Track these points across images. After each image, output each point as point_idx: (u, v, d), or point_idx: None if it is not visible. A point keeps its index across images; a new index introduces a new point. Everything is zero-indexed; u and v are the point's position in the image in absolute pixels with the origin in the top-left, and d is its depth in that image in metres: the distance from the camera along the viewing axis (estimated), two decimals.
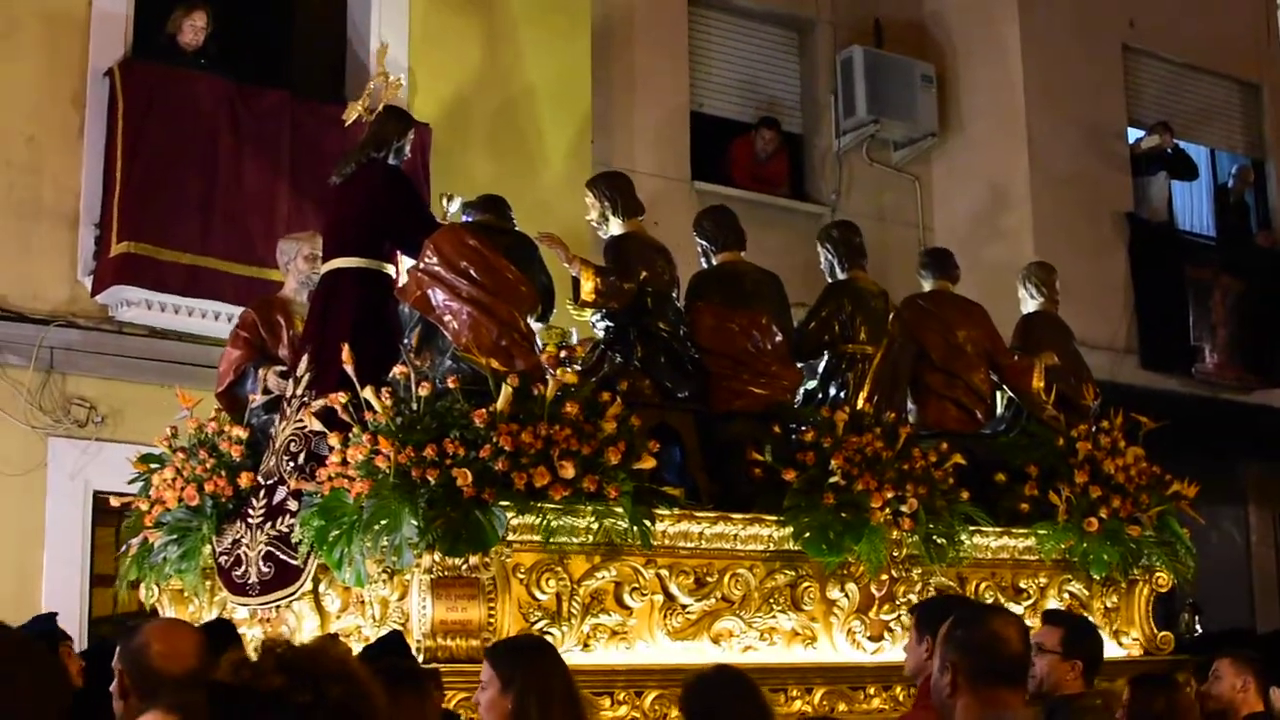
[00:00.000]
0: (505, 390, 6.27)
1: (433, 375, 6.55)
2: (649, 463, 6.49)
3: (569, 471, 6.24)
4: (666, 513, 6.68)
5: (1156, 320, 13.74)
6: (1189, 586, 9.32)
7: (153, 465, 7.77)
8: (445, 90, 10.90)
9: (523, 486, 6.20)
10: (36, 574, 9.37)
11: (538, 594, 6.42)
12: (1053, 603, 7.92)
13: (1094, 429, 8.14)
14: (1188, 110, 14.94)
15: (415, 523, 6.08)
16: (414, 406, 6.31)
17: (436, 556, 6.15)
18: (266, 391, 7.56)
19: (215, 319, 9.85)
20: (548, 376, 6.46)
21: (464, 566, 6.20)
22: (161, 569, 7.45)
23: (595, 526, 6.42)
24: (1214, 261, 14.49)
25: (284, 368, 7.59)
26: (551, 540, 6.36)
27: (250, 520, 6.98)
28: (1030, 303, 8.85)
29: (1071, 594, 8.02)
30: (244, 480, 7.23)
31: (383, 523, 6.16)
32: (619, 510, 6.41)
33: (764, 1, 13.80)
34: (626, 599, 6.65)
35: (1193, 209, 15.25)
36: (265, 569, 6.84)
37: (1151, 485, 8.15)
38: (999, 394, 8.53)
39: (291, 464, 6.94)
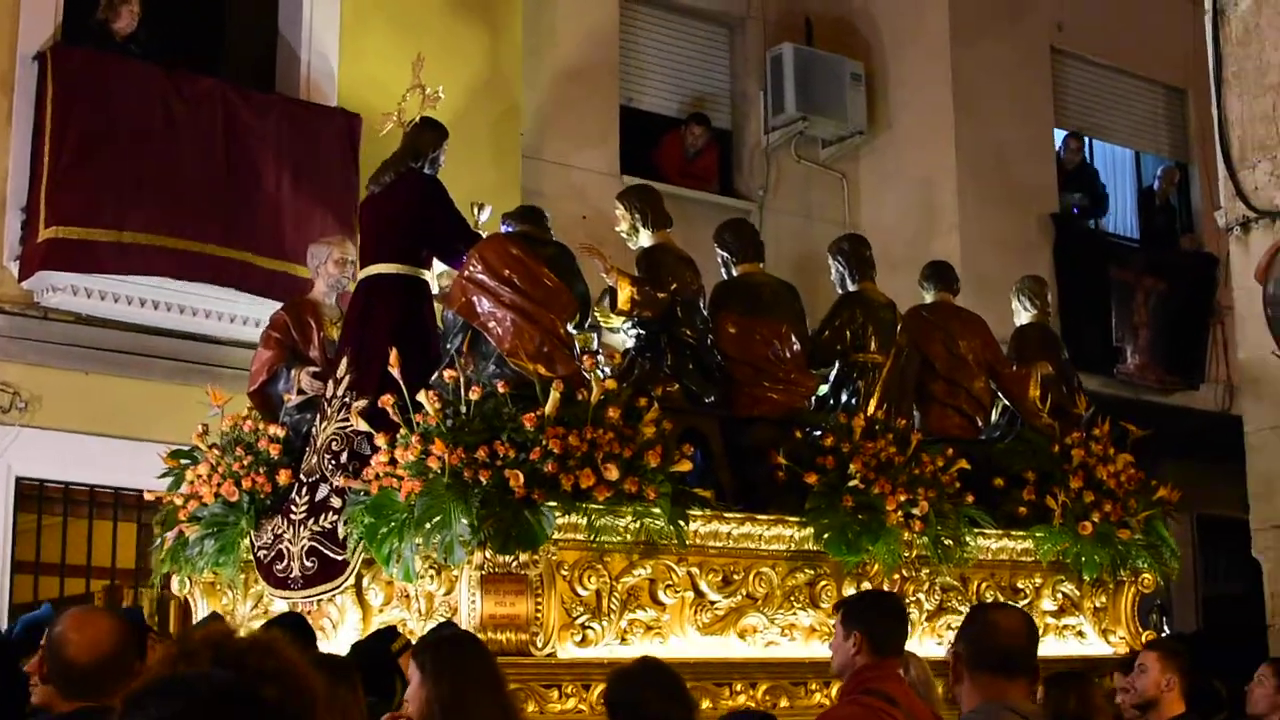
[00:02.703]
0: (554, 395, 6.55)
1: (478, 379, 6.81)
2: (685, 466, 6.81)
3: (613, 473, 6.53)
4: (698, 513, 6.99)
5: (1080, 321, 13.84)
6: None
7: (183, 461, 7.99)
8: (375, 79, 10.85)
9: (569, 488, 6.49)
10: None
11: (580, 590, 6.72)
12: (1046, 603, 8.33)
13: (1086, 436, 8.52)
14: (1113, 113, 15.25)
15: (468, 521, 6.35)
16: (463, 409, 6.58)
17: (487, 554, 6.42)
18: (301, 392, 7.79)
19: (141, 306, 9.95)
20: (591, 382, 6.75)
21: (513, 564, 6.48)
22: (196, 562, 7.67)
23: (635, 526, 6.71)
24: (1137, 263, 14.77)
25: (317, 369, 7.83)
26: (595, 539, 6.64)
27: (293, 516, 7.22)
28: (1023, 314, 9.23)
29: (1064, 594, 8.40)
30: (282, 477, 7.47)
31: (434, 521, 6.43)
32: (657, 510, 6.72)
33: None
34: (660, 595, 6.96)
35: (1116, 211, 15.50)
36: (309, 564, 7.09)
37: (1139, 490, 8.55)
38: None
39: (333, 462, 7.19)
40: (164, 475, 8.02)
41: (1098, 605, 8.55)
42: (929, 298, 8.87)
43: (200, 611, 7.86)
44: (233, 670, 2.16)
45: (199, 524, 7.63)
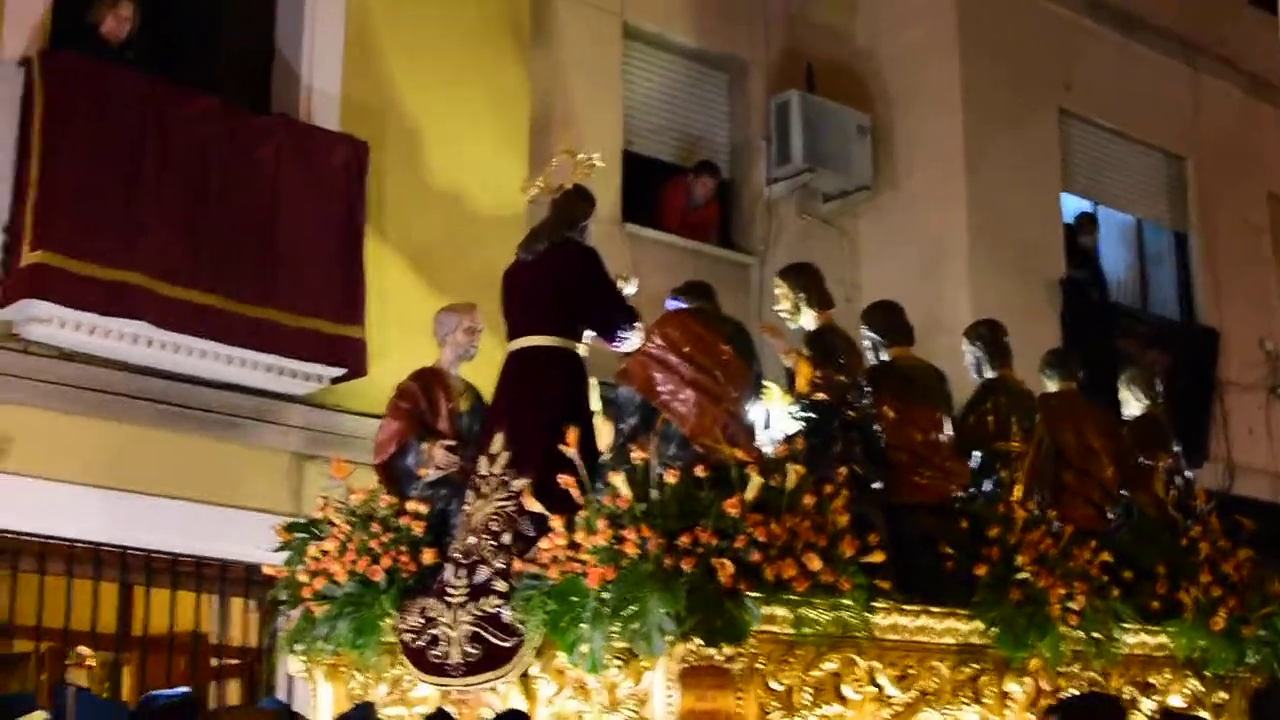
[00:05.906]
0: (754, 480, 6.28)
1: (659, 460, 6.51)
2: (879, 556, 6.56)
3: (815, 564, 6.27)
4: (882, 605, 6.75)
5: (1087, 391, 13.55)
6: None
7: (298, 535, 7.59)
8: (377, 111, 10.53)
9: (772, 578, 6.22)
10: None
11: (773, 685, 6.43)
12: (1175, 700, 8.18)
13: (1206, 530, 8.43)
14: (1117, 178, 14.92)
15: (670, 611, 6.04)
16: (655, 493, 6.28)
17: (691, 646, 6.11)
18: (437, 467, 7.43)
19: (133, 342, 9.14)
20: (787, 467, 6.49)
21: (717, 657, 6.18)
22: (326, 643, 7.27)
23: (828, 619, 6.44)
24: (1142, 335, 14.41)
25: (451, 442, 7.48)
26: (795, 632, 6.35)
27: (449, 599, 6.84)
28: (1134, 405, 9.11)
29: (1191, 690, 8.26)
30: (427, 556, 7.11)
31: (631, 609, 6.12)
32: (848, 602, 6.46)
33: (699, 40, 13.40)
34: (845, 691, 6.69)
35: (1120, 280, 15.14)
36: (471, 650, 6.70)
37: (1256, 585, 8.46)
38: None
39: (493, 543, 6.83)
40: (280, 549, 7.60)
41: (1217, 702, 8.44)
42: (1052, 386, 8.71)
43: (322, 695, 7.48)
44: None
45: (330, 603, 7.23)
